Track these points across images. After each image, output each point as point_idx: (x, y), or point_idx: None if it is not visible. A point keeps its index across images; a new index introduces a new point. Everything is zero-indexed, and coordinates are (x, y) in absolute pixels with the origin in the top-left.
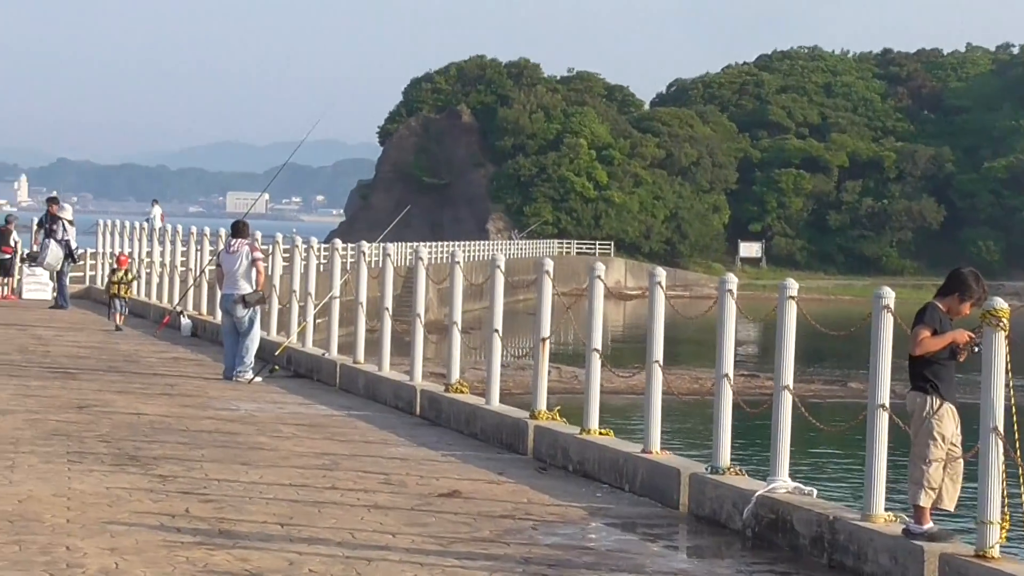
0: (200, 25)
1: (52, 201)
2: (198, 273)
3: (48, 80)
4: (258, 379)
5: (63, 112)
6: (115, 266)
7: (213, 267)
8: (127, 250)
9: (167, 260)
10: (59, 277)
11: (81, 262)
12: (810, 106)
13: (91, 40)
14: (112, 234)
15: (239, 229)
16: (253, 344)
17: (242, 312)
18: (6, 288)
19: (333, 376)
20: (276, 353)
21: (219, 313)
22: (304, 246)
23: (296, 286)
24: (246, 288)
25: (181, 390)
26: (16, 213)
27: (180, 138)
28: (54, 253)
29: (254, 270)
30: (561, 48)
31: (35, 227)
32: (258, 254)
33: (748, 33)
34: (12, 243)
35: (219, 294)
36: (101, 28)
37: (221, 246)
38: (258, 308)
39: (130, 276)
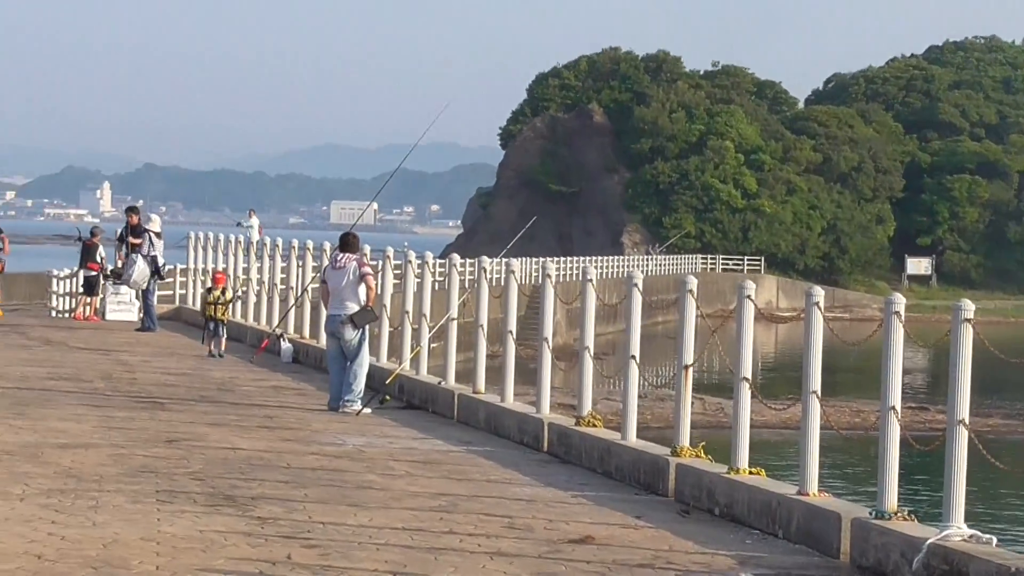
0: (302, 20)
1: (131, 211)
2: (300, 292)
3: (132, 80)
4: (367, 410)
5: (149, 113)
6: (211, 285)
7: (317, 285)
8: (221, 266)
9: (265, 277)
10: (145, 296)
11: (170, 279)
12: (987, 104)
13: (179, 37)
14: (204, 248)
15: (348, 242)
16: (362, 371)
17: (350, 335)
18: (89, 308)
19: (450, 407)
20: (387, 381)
21: (323, 336)
22: (418, 261)
23: (409, 307)
24: (355, 308)
25: (281, 422)
26: (100, 225)
27: (279, 141)
28: (140, 270)
29: (363, 287)
30: (705, 39)
31: (120, 241)
32: (367, 269)
33: (916, 22)
34: (99, 259)
35: (324, 315)
36: (190, 25)
37: (326, 261)
38: (367, 331)
39: (228, 296)
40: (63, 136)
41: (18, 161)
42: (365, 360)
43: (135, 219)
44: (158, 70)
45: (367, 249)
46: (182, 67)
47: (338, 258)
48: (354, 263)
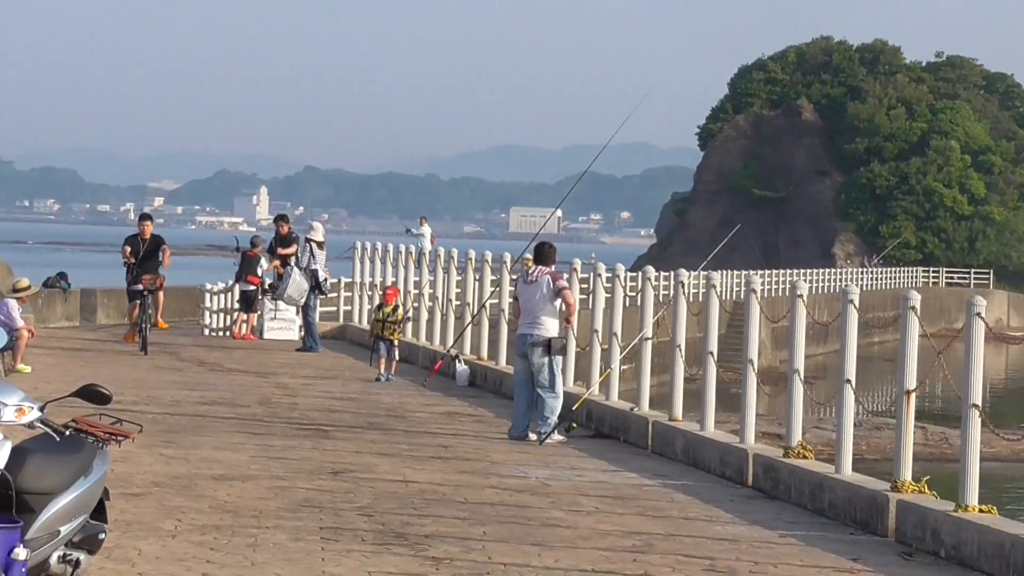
0: (481, 10)
1: (281, 220)
2: (477, 309)
3: (290, 78)
4: (554, 438)
5: (310, 112)
6: (380, 301)
7: (496, 301)
8: (390, 279)
9: (440, 292)
10: (306, 314)
11: (333, 294)
12: None
13: (338, 31)
14: (372, 259)
15: (543, 254)
16: (555, 400)
17: (540, 358)
18: (246, 326)
19: (644, 436)
20: (574, 407)
21: (503, 358)
22: (607, 275)
23: (598, 325)
24: (548, 327)
25: (457, 452)
26: (259, 234)
27: (453, 142)
28: (295, 284)
29: (559, 304)
30: (927, 27)
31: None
32: (563, 283)
33: None
34: (260, 272)
35: (500, 332)
36: (354, 18)
37: (506, 274)
38: (562, 355)
39: (399, 313)
40: (215, 138)
41: (167, 165)
42: (559, 387)
43: (285, 228)
44: (317, 66)
45: None
46: (345, 63)
47: (531, 272)
48: (547, 276)
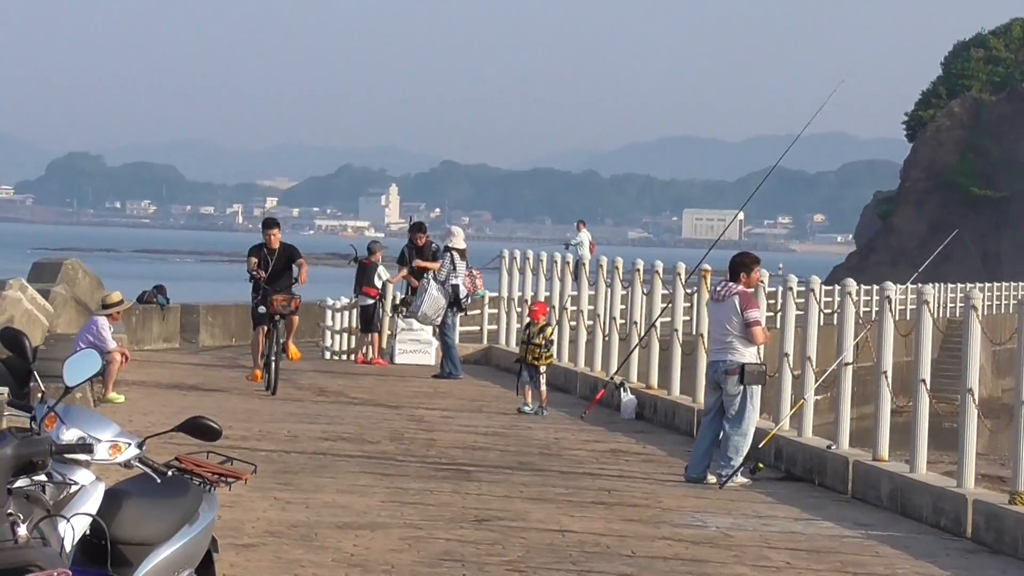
0: None
1: (418, 229)
2: (645, 328)
3: (425, 56)
4: (738, 481)
5: (448, 98)
6: (528, 319)
7: (666, 319)
8: (543, 293)
9: (601, 308)
10: (443, 334)
11: (476, 311)
12: None
13: (486, 9)
14: (522, 270)
15: (743, 265)
16: (743, 438)
17: (734, 388)
18: (370, 349)
19: (843, 478)
20: (760, 445)
21: (677, 385)
22: (799, 288)
23: (788, 348)
24: (742, 352)
25: (623, 497)
26: (382, 240)
27: (615, 133)
28: (431, 300)
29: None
30: None
31: (401, 265)
32: (754, 314)
33: None
34: (378, 283)
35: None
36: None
37: (679, 287)
38: (759, 385)
39: (549, 332)
40: (337, 128)
41: (281, 160)
42: (750, 423)
43: (423, 239)
44: (456, 44)
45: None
46: (489, 40)
47: (720, 287)
48: (736, 296)
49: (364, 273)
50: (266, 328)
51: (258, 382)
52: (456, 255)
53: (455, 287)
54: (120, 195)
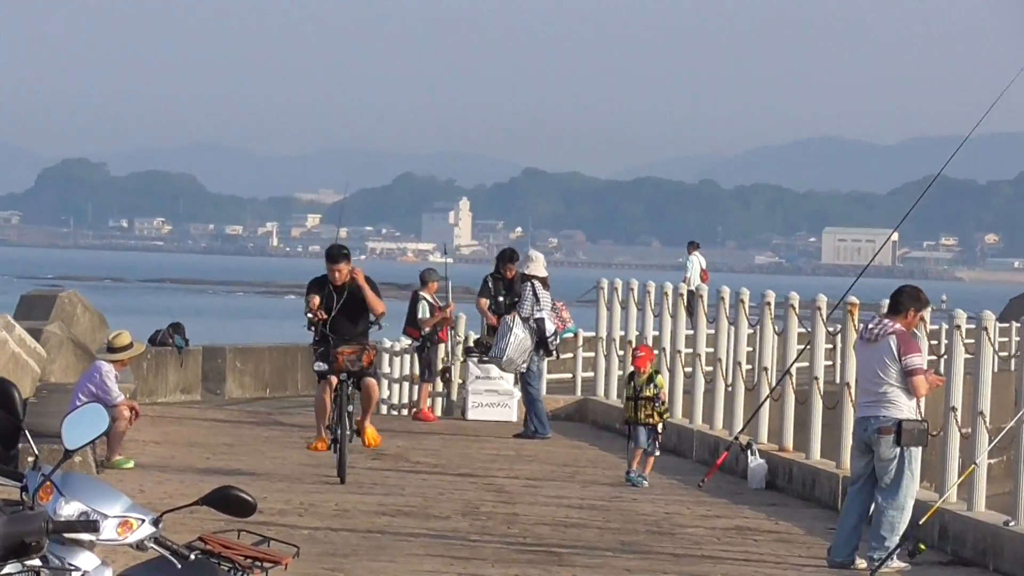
0: None
1: (508, 259)
2: (778, 377)
3: (501, 50)
4: (892, 566)
5: (530, 95)
6: (633, 365)
7: (803, 364)
8: (651, 333)
9: (724, 352)
10: (526, 383)
11: (568, 354)
12: None
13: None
14: (625, 305)
15: (913, 299)
16: (899, 512)
17: (888, 451)
18: (424, 399)
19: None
20: (921, 521)
21: (818, 447)
22: (968, 326)
23: (956, 400)
24: (899, 406)
25: None
26: (437, 267)
27: (739, 134)
28: (519, 341)
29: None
30: None
31: (482, 297)
32: (916, 360)
33: None
34: (420, 315)
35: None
36: None
37: (820, 326)
38: (919, 447)
39: (660, 381)
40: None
41: (324, 168)
42: (908, 494)
43: (512, 271)
44: (539, 33)
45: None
46: (581, 26)
47: (872, 324)
48: (892, 337)
49: (412, 307)
50: (333, 386)
51: (323, 450)
52: (538, 285)
53: (539, 322)
54: (127, 211)
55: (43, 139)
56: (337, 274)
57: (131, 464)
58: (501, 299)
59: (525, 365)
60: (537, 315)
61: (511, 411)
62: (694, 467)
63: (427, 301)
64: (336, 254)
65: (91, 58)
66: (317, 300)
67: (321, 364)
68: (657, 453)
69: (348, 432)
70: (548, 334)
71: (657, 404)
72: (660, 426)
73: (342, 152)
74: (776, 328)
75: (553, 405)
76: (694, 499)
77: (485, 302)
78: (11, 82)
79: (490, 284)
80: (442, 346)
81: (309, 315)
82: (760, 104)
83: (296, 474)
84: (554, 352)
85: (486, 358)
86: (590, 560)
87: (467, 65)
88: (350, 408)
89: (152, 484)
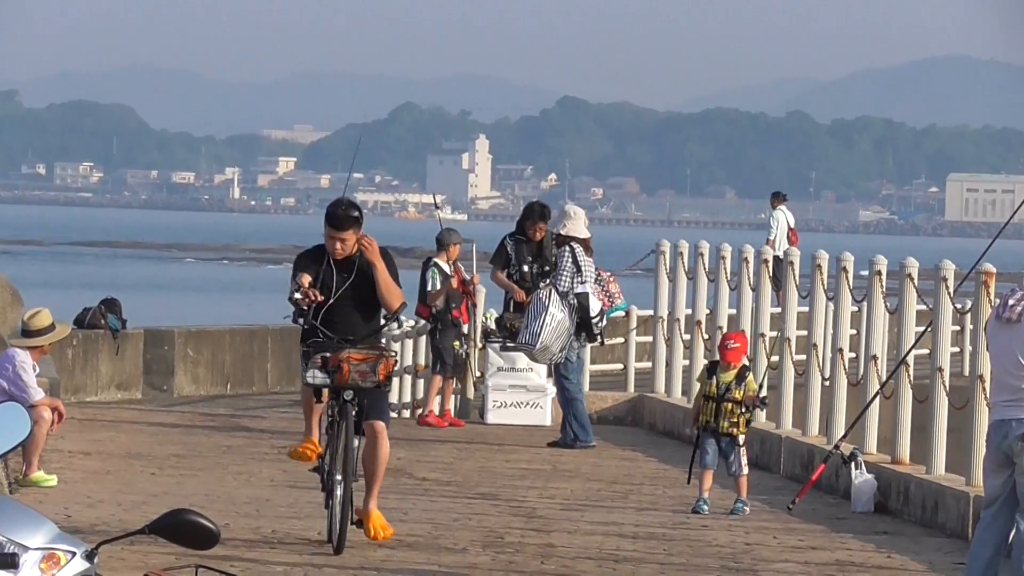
0: None
1: (540, 217)
2: (890, 367)
3: None
4: None
5: (566, 6)
6: (716, 356)
7: (922, 351)
8: (725, 312)
9: (820, 335)
10: (562, 377)
11: (617, 340)
12: None
13: None
14: (692, 275)
15: None
16: None
17: None
18: (431, 397)
19: None
20: None
21: (942, 459)
22: None
23: None
24: None
25: None
26: (463, 229)
27: (836, 52)
28: (556, 323)
29: None
30: None
31: (497, 266)
32: None
33: None
34: (429, 288)
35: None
36: None
37: (944, 298)
38: None
39: (752, 382)
40: (390, 50)
41: (301, 99)
42: None
43: (542, 231)
44: None
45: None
46: None
47: (1012, 300)
48: None
49: (423, 280)
50: (331, 404)
51: (310, 461)
52: (578, 249)
53: (582, 298)
54: (45, 154)
55: None
56: (340, 245)
57: (54, 481)
58: (526, 268)
59: (563, 354)
60: (579, 289)
61: (544, 413)
62: (782, 484)
63: (438, 268)
64: (342, 216)
65: None
66: (308, 279)
67: (317, 375)
68: (746, 471)
69: (352, 478)
70: (593, 314)
71: (747, 410)
72: (742, 438)
73: (321, 77)
74: (888, 305)
75: (599, 405)
76: (782, 526)
77: (502, 274)
78: None
79: (509, 248)
80: (460, 328)
81: (298, 295)
82: (865, 17)
83: (265, 495)
84: (599, 337)
85: (511, 344)
86: None
87: None
88: (356, 442)
89: (81, 507)
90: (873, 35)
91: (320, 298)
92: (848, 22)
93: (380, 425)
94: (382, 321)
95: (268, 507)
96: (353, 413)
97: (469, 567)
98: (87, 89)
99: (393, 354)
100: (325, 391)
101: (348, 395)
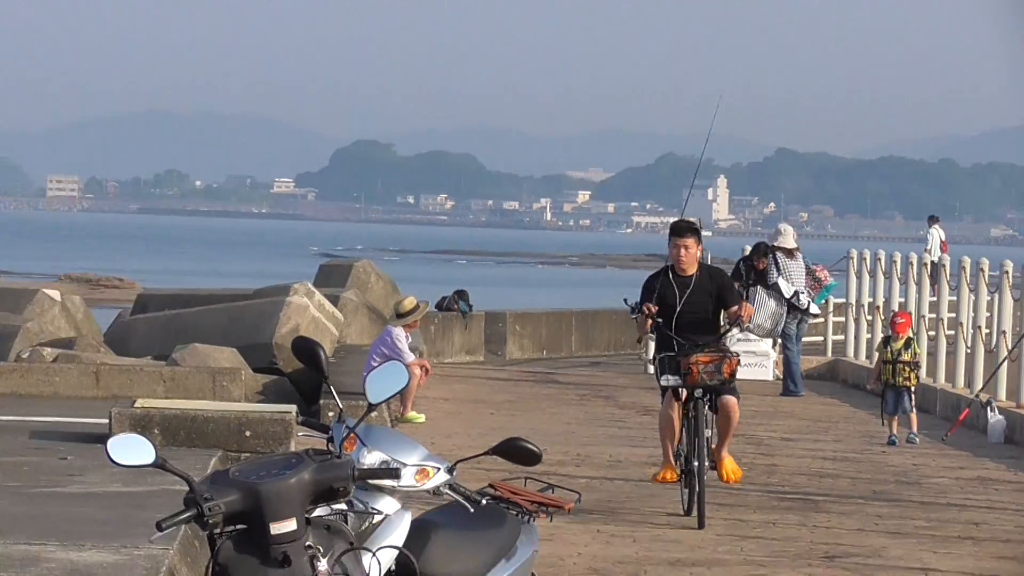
0: None
1: (761, 253)
2: (1016, 339)
3: (756, 40)
4: None
5: (784, 78)
6: (889, 332)
7: None
8: (896, 300)
9: (964, 317)
10: (785, 344)
11: (819, 319)
12: None
13: None
14: (872, 273)
15: None
16: None
17: None
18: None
19: None
20: None
21: None
22: None
23: None
24: None
25: (994, 531)
26: (708, 244)
27: (978, 113)
28: (768, 308)
29: None
30: None
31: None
32: None
33: None
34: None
35: None
36: None
37: None
38: None
39: (916, 350)
40: (658, 112)
41: (593, 149)
42: None
43: (764, 264)
44: (791, 26)
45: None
46: (828, 17)
47: None
48: None
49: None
50: (683, 406)
51: (670, 482)
52: (781, 255)
53: (774, 287)
54: (413, 188)
55: (337, 122)
56: (684, 252)
57: (422, 419)
58: (748, 280)
59: (779, 328)
60: (795, 284)
61: (767, 371)
62: (938, 423)
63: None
64: (684, 226)
65: (379, 49)
66: (654, 309)
67: (670, 377)
68: (914, 412)
69: (707, 463)
70: (787, 295)
71: (914, 368)
72: (914, 388)
73: (608, 132)
74: (1016, 295)
75: (806, 366)
76: (939, 451)
77: (737, 285)
78: (307, 72)
79: (742, 270)
80: None
81: (639, 312)
82: (995, 85)
83: (570, 429)
84: (805, 312)
85: (748, 326)
86: (844, 507)
87: (722, 54)
88: (708, 432)
89: (441, 437)
90: (1001, 98)
91: (655, 309)
92: (977, 84)
93: (729, 399)
94: (725, 330)
95: (573, 437)
96: (705, 409)
97: (715, 481)
98: (443, 142)
99: (736, 355)
100: (683, 390)
101: (698, 392)
